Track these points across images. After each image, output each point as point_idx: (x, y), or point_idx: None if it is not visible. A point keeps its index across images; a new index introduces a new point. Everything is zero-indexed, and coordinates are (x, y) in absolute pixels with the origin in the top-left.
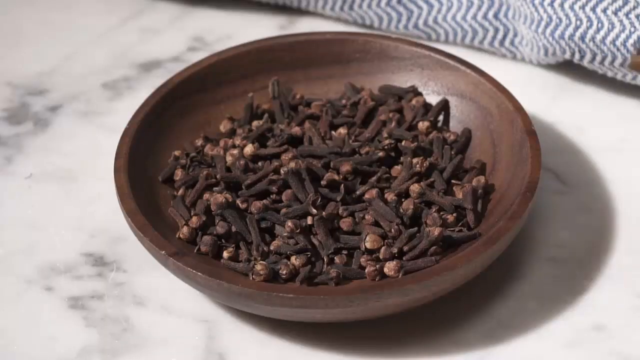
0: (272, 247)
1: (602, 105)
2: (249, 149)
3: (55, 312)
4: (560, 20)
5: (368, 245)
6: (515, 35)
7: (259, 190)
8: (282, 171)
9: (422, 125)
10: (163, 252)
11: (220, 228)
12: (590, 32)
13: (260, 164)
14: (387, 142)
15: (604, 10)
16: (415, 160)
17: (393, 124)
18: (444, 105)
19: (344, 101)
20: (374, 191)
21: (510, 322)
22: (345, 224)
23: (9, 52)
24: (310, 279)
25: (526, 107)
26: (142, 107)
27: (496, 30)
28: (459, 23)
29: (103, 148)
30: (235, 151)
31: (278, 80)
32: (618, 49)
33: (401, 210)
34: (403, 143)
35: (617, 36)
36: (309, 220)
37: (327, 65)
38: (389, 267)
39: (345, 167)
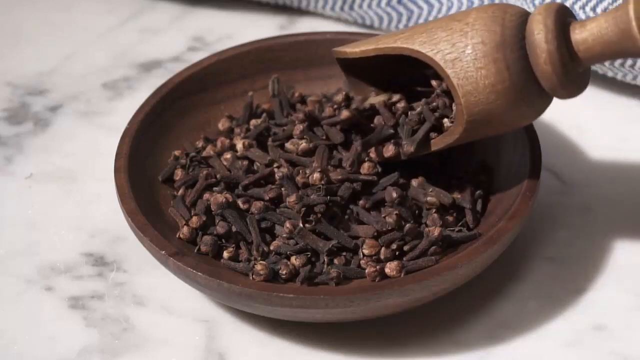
0: (272, 247)
1: (602, 105)
2: (240, 144)
3: (55, 312)
4: None
5: (366, 252)
6: None
7: (255, 193)
8: (277, 176)
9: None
10: (163, 252)
11: (220, 228)
12: None
13: (257, 165)
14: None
15: (604, 10)
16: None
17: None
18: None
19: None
20: (361, 202)
21: (510, 322)
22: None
23: (9, 52)
24: (311, 279)
25: None
26: (142, 107)
27: None
28: None
29: (103, 148)
30: (229, 155)
31: (278, 78)
32: None
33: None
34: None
35: None
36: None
37: (327, 65)
38: (390, 268)
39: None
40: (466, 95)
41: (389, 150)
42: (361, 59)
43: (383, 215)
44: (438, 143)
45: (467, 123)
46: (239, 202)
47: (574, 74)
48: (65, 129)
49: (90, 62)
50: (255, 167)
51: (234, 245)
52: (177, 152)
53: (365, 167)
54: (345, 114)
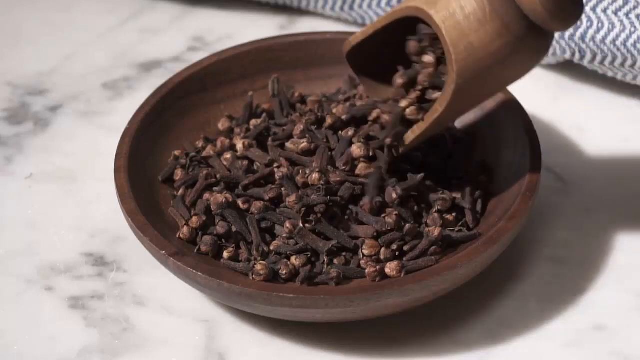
0: (272, 247)
1: (602, 105)
2: (241, 144)
3: (55, 312)
4: None
5: (366, 252)
6: None
7: (255, 193)
8: (277, 176)
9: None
10: (163, 252)
11: (220, 228)
12: (590, 32)
13: (257, 165)
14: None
15: (604, 10)
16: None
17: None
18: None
19: (340, 96)
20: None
21: (510, 322)
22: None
23: (9, 52)
24: (311, 279)
25: (526, 107)
26: (142, 107)
27: None
28: None
29: (103, 148)
30: (229, 155)
31: (278, 78)
32: (618, 49)
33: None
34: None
35: (617, 36)
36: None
37: (327, 65)
38: (391, 268)
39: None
40: (449, 31)
41: (366, 204)
42: (372, 56)
43: (383, 216)
44: (435, 110)
45: (457, 64)
46: (239, 202)
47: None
48: (65, 129)
49: (90, 62)
50: (255, 167)
51: (234, 245)
52: (177, 152)
53: (361, 168)
54: (328, 121)
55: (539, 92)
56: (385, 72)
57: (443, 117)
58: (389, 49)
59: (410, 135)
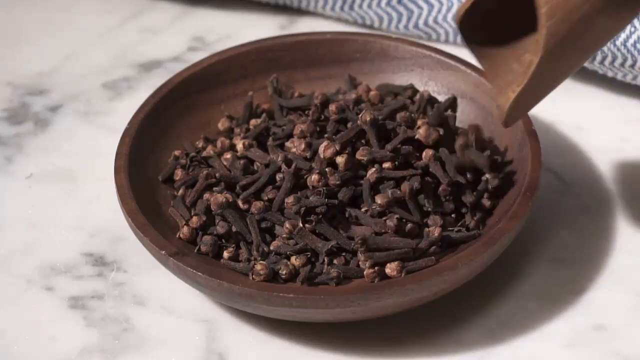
0: (272, 247)
1: (602, 105)
2: (241, 144)
3: (55, 312)
4: None
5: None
6: None
7: (254, 190)
8: (277, 177)
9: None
10: (163, 252)
11: (220, 228)
12: None
13: (257, 165)
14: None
15: None
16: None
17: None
18: (451, 103)
19: (340, 96)
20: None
21: (510, 322)
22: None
23: (9, 52)
24: (311, 279)
25: None
26: (142, 107)
27: None
28: None
29: (103, 148)
30: (229, 155)
31: (277, 79)
32: (618, 49)
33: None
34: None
35: (617, 36)
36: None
37: (327, 65)
38: (391, 268)
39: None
40: None
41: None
42: (484, 22)
43: (384, 219)
44: (530, 63)
45: (546, 5)
46: (239, 202)
47: None
48: (65, 129)
49: (90, 62)
50: (255, 167)
51: (234, 245)
52: (177, 152)
53: (341, 162)
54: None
55: None
56: (499, 37)
57: (539, 71)
58: (501, 12)
59: (506, 101)
